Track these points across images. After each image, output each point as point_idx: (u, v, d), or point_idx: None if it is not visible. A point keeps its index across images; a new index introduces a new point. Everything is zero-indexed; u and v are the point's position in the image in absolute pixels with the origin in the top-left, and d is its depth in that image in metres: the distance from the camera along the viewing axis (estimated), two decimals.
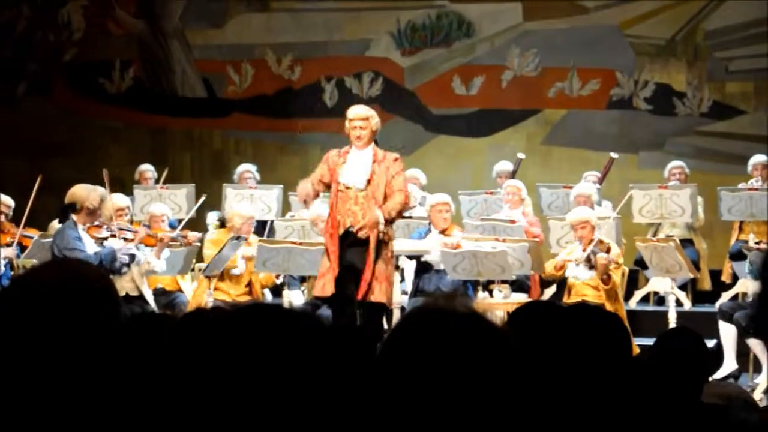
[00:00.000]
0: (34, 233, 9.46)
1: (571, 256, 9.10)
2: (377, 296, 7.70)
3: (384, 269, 7.75)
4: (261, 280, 9.78)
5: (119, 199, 9.30)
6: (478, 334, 1.55)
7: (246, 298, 9.34)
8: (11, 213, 9.82)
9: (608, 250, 8.93)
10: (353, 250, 7.78)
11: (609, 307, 8.58)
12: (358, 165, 7.84)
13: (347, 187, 7.82)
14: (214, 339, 1.50)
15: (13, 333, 1.93)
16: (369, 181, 7.80)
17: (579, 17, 12.89)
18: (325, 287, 7.77)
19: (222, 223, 10.07)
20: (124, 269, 8.70)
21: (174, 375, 1.51)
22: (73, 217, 8.17)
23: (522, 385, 1.55)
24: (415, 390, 1.51)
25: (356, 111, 7.96)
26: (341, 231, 7.81)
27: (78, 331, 1.92)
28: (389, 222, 7.88)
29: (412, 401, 1.50)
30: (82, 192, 8.21)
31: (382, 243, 7.78)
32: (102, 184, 8.59)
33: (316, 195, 8.04)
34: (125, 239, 8.56)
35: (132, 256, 8.55)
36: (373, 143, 7.92)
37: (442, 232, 9.45)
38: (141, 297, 8.87)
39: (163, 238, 8.92)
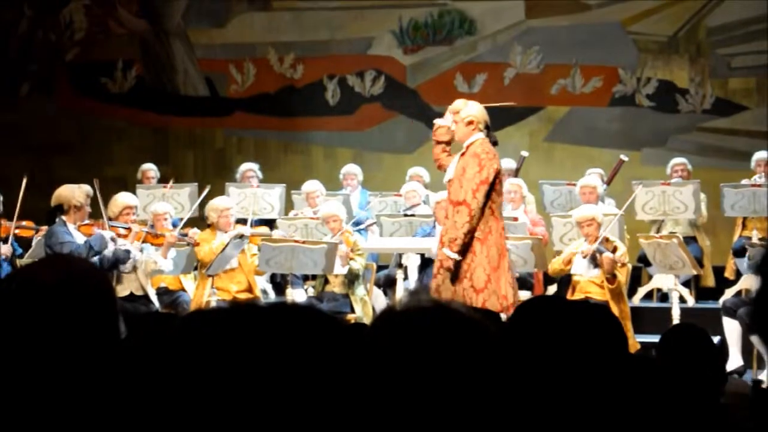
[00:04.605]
0: (29, 225, 9.53)
1: (578, 249, 9.06)
2: None
3: None
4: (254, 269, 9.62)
5: (127, 198, 9.27)
6: (446, 325, 1.54)
7: (246, 295, 9.30)
8: (1, 208, 9.82)
9: (614, 250, 8.91)
10: None
11: (614, 306, 8.57)
12: None
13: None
14: (216, 339, 1.50)
15: (7, 331, 1.92)
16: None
17: (581, 14, 12.88)
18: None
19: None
20: (126, 267, 8.72)
21: (177, 374, 1.51)
22: (63, 217, 8.51)
23: (498, 373, 1.53)
24: (390, 389, 1.50)
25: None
26: None
27: (73, 328, 1.91)
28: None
29: (387, 401, 1.50)
30: (67, 192, 8.59)
31: None
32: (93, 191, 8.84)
33: None
34: (118, 235, 8.67)
35: (127, 252, 8.60)
36: None
37: None
38: (145, 296, 8.91)
39: (166, 236, 8.95)
